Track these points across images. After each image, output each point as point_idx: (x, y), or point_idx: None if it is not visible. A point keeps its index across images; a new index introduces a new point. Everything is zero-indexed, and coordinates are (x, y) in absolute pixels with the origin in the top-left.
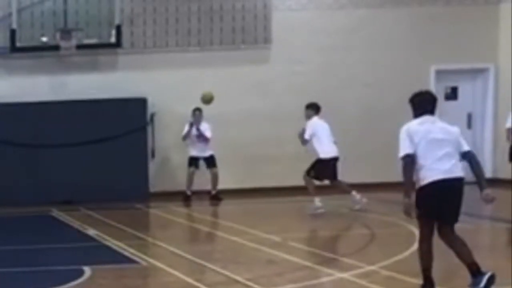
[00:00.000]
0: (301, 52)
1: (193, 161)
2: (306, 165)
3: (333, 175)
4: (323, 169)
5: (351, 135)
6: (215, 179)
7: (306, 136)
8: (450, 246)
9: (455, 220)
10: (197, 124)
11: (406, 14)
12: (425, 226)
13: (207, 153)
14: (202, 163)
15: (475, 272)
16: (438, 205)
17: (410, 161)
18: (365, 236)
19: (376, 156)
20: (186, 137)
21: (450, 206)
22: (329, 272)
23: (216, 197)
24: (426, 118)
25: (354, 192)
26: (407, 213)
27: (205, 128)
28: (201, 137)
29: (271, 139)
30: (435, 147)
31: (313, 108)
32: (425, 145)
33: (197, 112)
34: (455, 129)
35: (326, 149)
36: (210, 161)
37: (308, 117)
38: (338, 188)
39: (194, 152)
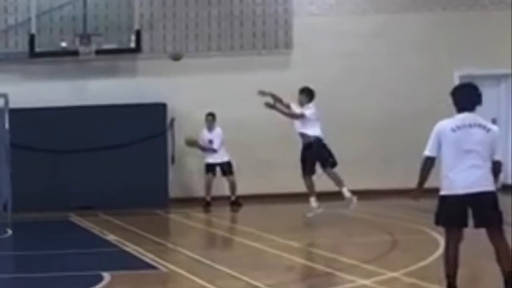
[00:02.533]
0: (323, 57)
1: (210, 168)
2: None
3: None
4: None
5: (373, 141)
6: (232, 186)
7: (309, 114)
8: (495, 248)
9: (493, 222)
10: (209, 130)
11: (428, 19)
12: (449, 233)
13: (223, 159)
14: (219, 169)
15: (510, 282)
16: (459, 216)
17: (429, 163)
18: (387, 242)
19: (398, 162)
20: (204, 148)
21: (477, 215)
22: (350, 279)
23: (236, 203)
24: (463, 117)
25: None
26: (414, 197)
27: (218, 134)
28: (210, 148)
29: (292, 144)
30: (463, 158)
31: (308, 94)
32: (453, 154)
33: (209, 117)
34: (494, 130)
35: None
36: (227, 169)
37: (303, 103)
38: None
39: (210, 159)
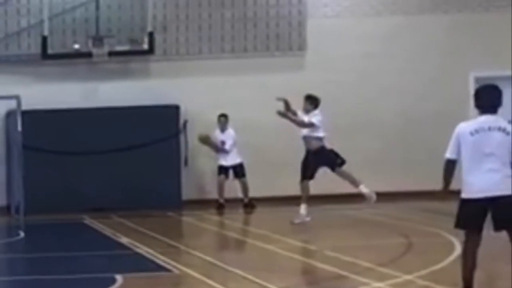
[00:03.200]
0: (337, 59)
1: (222, 170)
2: None
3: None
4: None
5: (389, 144)
6: (245, 188)
7: (317, 122)
8: None
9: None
10: (221, 131)
11: (444, 21)
12: (468, 236)
13: (235, 161)
14: (231, 171)
15: None
16: (478, 220)
17: (450, 166)
18: (402, 245)
19: (414, 165)
20: (218, 149)
21: (496, 218)
22: (365, 282)
23: (249, 205)
24: (483, 120)
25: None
26: (439, 199)
27: (230, 136)
28: (222, 149)
29: (303, 148)
30: (482, 162)
31: (313, 101)
32: (472, 157)
33: (222, 118)
34: None
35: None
36: (239, 171)
37: (308, 111)
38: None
39: (222, 161)
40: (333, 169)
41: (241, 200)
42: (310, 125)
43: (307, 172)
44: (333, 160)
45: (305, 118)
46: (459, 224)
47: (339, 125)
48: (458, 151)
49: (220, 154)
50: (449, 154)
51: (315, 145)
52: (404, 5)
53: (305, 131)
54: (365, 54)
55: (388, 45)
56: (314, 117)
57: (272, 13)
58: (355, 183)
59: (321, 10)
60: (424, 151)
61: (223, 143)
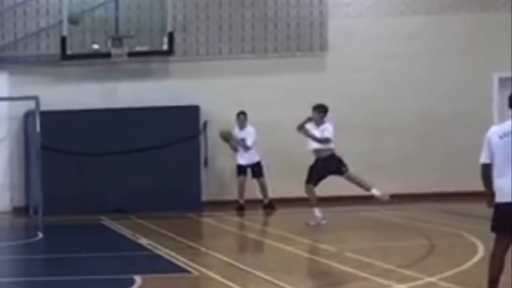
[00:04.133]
0: (358, 59)
1: (241, 169)
2: (363, 175)
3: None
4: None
5: (411, 144)
6: (263, 188)
7: (331, 136)
8: None
9: None
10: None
11: (467, 20)
12: (498, 240)
13: (253, 160)
14: (250, 171)
15: None
16: (506, 223)
17: (486, 170)
18: (424, 247)
19: (437, 166)
20: (239, 146)
21: None
22: (386, 284)
23: (269, 206)
24: None
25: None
26: (488, 206)
27: (250, 132)
28: (243, 145)
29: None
30: (510, 165)
31: (322, 111)
32: (501, 161)
33: (241, 116)
34: None
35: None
36: (256, 170)
37: (316, 120)
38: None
39: (241, 160)
40: (341, 174)
41: (261, 201)
42: (326, 141)
43: (312, 177)
44: (340, 167)
45: (316, 132)
46: (492, 227)
47: (360, 126)
48: (491, 155)
49: (238, 152)
50: (482, 159)
51: (324, 154)
52: (426, 4)
53: (316, 145)
54: (387, 54)
55: (411, 45)
56: (327, 132)
57: (293, 13)
58: (365, 186)
59: (342, 10)
60: (446, 152)
61: (243, 140)
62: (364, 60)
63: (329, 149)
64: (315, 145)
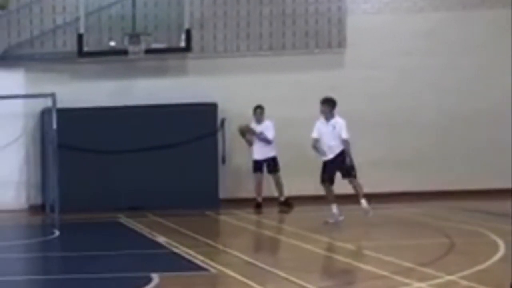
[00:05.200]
0: (377, 56)
1: (257, 165)
2: (382, 172)
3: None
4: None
5: (431, 141)
6: (279, 185)
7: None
8: None
9: None
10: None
11: (488, 17)
12: None
13: (269, 155)
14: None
15: None
16: None
17: None
18: (444, 245)
19: (458, 163)
20: (250, 142)
21: None
22: (406, 282)
23: (285, 203)
24: None
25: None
26: None
27: (268, 127)
28: (263, 139)
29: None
30: None
31: (330, 104)
32: None
33: (258, 110)
34: None
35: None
36: (272, 165)
37: (325, 114)
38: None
39: (257, 155)
40: (344, 176)
41: (276, 198)
42: (346, 141)
43: (324, 175)
44: (349, 170)
45: (327, 127)
46: None
47: (379, 123)
48: None
49: (254, 147)
50: None
51: (337, 151)
52: (447, 0)
53: (333, 142)
54: (406, 51)
55: (430, 41)
56: (345, 131)
57: (311, 10)
58: (359, 195)
59: (361, 7)
60: (465, 149)
61: (260, 134)
62: (382, 57)
63: (338, 149)
64: (332, 142)
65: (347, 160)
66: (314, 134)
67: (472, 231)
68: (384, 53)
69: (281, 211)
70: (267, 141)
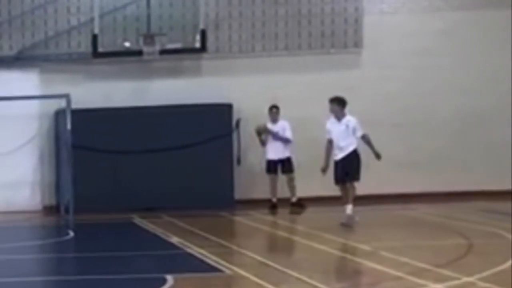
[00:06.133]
0: (394, 56)
1: (271, 166)
2: (398, 173)
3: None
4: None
5: (447, 141)
6: (291, 185)
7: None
8: None
9: None
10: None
11: (505, 17)
12: None
13: (284, 155)
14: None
15: None
16: None
17: None
18: (461, 246)
19: (474, 163)
20: (264, 142)
21: None
22: (422, 283)
23: (297, 204)
24: None
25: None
26: None
27: (285, 127)
28: (282, 138)
29: (360, 146)
30: None
31: (340, 103)
32: None
33: (273, 109)
34: None
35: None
36: (286, 165)
37: (336, 113)
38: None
39: (271, 155)
40: (347, 176)
41: (287, 199)
42: (364, 137)
43: (337, 176)
44: (355, 172)
45: (339, 126)
46: None
47: (396, 123)
48: None
49: (267, 147)
50: None
51: (348, 151)
52: (464, 0)
53: (344, 143)
54: (423, 51)
55: (447, 41)
56: (359, 128)
57: (327, 9)
58: (348, 201)
59: (377, 7)
60: (482, 149)
61: (276, 134)
62: (399, 57)
63: (351, 147)
64: (343, 143)
65: (374, 152)
66: (328, 135)
67: (489, 232)
68: (401, 53)
69: (293, 212)
70: (286, 141)
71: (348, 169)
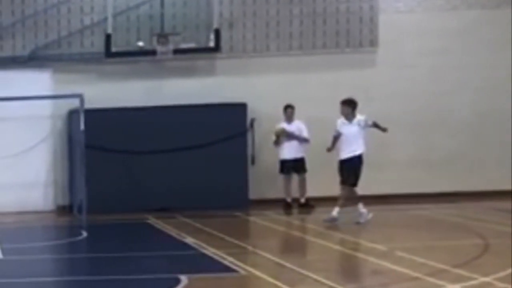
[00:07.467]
0: (409, 55)
1: (284, 165)
2: (415, 173)
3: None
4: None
5: (462, 141)
6: (302, 185)
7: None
8: None
9: None
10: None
11: None
12: None
13: (297, 155)
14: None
15: None
16: None
17: None
18: (478, 246)
19: (491, 163)
20: (279, 143)
21: None
22: (439, 284)
23: (306, 205)
24: None
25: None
26: None
27: (301, 127)
28: (299, 138)
29: (376, 145)
30: None
31: (351, 105)
32: None
33: (289, 109)
34: None
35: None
36: (300, 165)
37: (347, 115)
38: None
39: (285, 155)
40: (348, 180)
41: (304, 200)
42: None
43: (343, 178)
44: (352, 177)
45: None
46: None
47: (412, 122)
48: None
49: (281, 147)
50: None
51: (356, 153)
52: None
53: (355, 145)
54: (439, 50)
55: (463, 40)
56: (368, 118)
57: (342, 8)
58: (340, 204)
59: (393, 5)
60: (499, 149)
61: (292, 134)
62: (415, 56)
63: (359, 151)
64: (353, 145)
65: (381, 128)
66: (338, 128)
67: (506, 232)
68: (417, 52)
69: (301, 213)
70: (305, 141)
71: (348, 172)
